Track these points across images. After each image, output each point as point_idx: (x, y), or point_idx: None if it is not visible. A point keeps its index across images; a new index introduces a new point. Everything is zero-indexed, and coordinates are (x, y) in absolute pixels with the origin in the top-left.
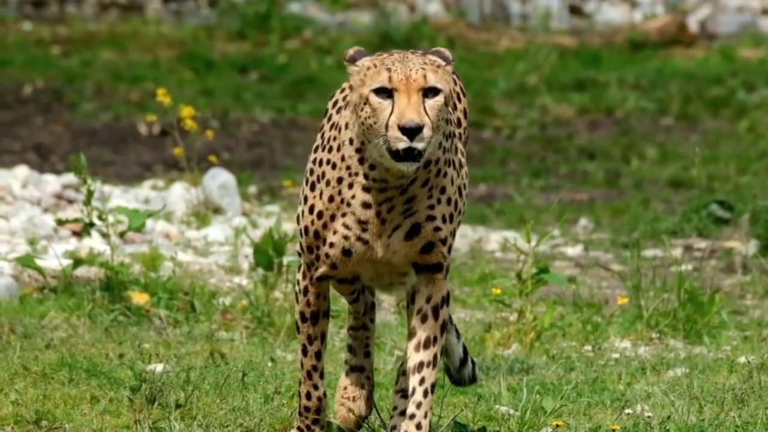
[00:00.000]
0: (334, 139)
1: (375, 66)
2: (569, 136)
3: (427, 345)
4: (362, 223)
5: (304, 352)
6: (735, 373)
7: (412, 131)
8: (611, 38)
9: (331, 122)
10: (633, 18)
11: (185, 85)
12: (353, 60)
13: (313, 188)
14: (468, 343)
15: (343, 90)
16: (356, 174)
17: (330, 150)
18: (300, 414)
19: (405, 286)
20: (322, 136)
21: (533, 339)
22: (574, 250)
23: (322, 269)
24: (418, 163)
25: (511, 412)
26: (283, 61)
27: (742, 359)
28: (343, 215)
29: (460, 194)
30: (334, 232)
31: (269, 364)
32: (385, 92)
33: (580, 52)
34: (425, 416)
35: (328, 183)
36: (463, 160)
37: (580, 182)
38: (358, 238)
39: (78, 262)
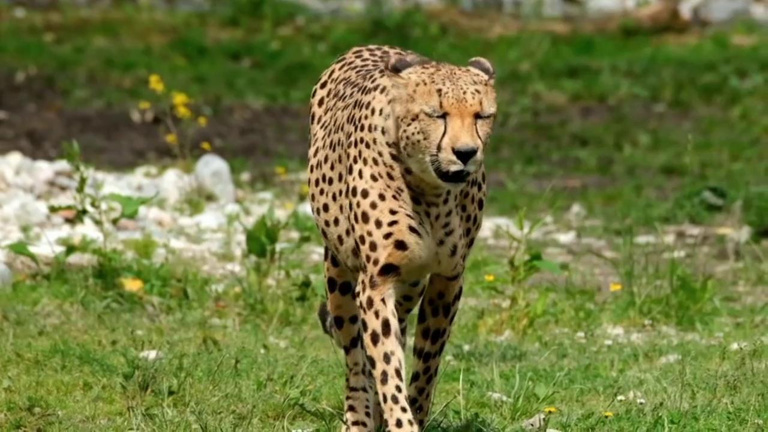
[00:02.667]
0: (366, 117)
1: (425, 83)
2: (562, 123)
3: (435, 337)
4: (416, 214)
5: (384, 379)
6: (727, 359)
7: (466, 155)
8: (604, 25)
9: (361, 104)
10: (626, 5)
11: (178, 72)
12: (397, 70)
13: (351, 171)
14: (461, 330)
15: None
16: (391, 167)
17: (362, 128)
18: None
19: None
20: (353, 121)
21: (526, 326)
22: (566, 237)
23: (384, 254)
24: (464, 183)
25: (504, 398)
26: (276, 48)
27: (735, 346)
28: (395, 198)
29: (480, 207)
30: (392, 212)
31: (262, 350)
32: (436, 112)
33: (573, 39)
34: (426, 398)
35: (365, 162)
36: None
37: (573, 169)
38: (420, 225)
39: (71, 249)
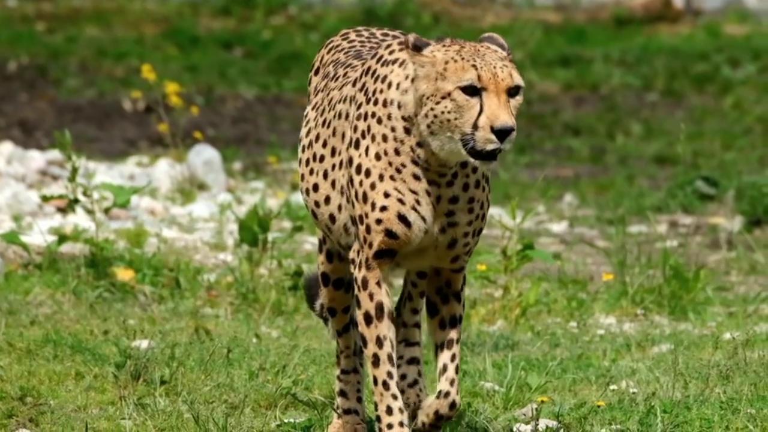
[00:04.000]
0: (381, 91)
1: (455, 60)
2: (554, 112)
3: (453, 323)
4: (414, 193)
5: (375, 361)
6: (720, 349)
7: (505, 133)
8: (596, 14)
9: (375, 75)
10: None
11: (170, 62)
12: (418, 48)
13: (357, 146)
14: None
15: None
16: (402, 142)
17: (376, 102)
18: None
19: None
20: (365, 91)
21: (518, 315)
22: (559, 227)
23: (377, 240)
24: (496, 161)
25: (497, 388)
26: (268, 38)
27: (727, 335)
28: (392, 179)
29: (488, 204)
30: (386, 195)
31: (254, 340)
32: (473, 90)
33: (566, 28)
34: (457, 393)
35: (373, 138)
36: None
37: (565, 158)
38: (414, 209)
39: (63, 238)
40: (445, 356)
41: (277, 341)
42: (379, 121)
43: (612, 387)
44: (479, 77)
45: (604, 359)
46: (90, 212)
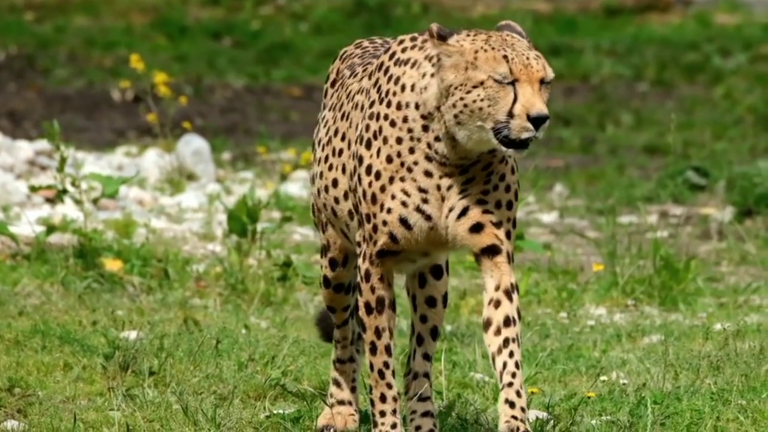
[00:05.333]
0: (394, 94)
1: (485, 50)
2: None
3: (507, 323)
4: (422, 192)
5: (373, 349)
6: (710, 340)
7: (541, 121)
8: (586, 4)
9: (388, 74)
10: None
11: (158, 51)
12: (443, 38)
13: (369, 146)
14: None
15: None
16: (418, 140)
17: (389, 105)
18: (375, 425)
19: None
20: (378, 88)
21: None
22: (549, 217)
23: (382, 240)
24: (526, 150)
25: (486, 379)
26: (257, 27)
27: (718, 326)
28: (402, 179)
29: (516, 179)
30: (392, 197)
31: (243, 331)
32: (506, 79)
33: (556, 18)
34: (521, 386)
35: (385, 141)
36: None
37: (556, 149)
38: (417, 209)
39: (51, 228)
40: (503, 356)
41: (266, 332)
42: (393, 124)
43: (602, 378)
44: (511, 70)
45: (595, 350)
46: (78, 202)
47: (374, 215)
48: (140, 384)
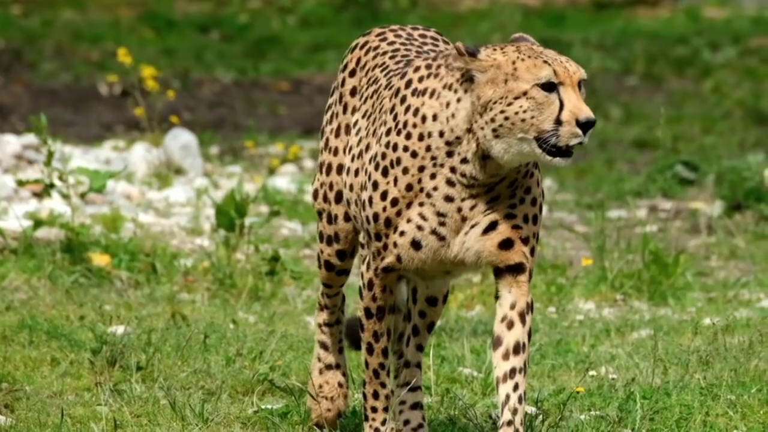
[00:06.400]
0: (414, 126)
1: (521, 59)
2: None
3: (516, 351)
4: (440, 216)
5: (370, 350)
6: (700, 334)
7: (589, 126)
8: None
9: (405, 104)
10: None
11: (146, 45)
12: (474, 54)
13: (385, 174)
14: None
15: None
16: (441, 165)
17: (409, 137)
18: (366, 418)
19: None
20: (395, 117)
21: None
22: None
23: (389, 259)
24: (571, 158)
25: (475, 374)
26: (245, 21)
27: (707, 321)
28: (421, 204)
29: (543, 195)
30: (408, 221)
31: (231, 326)
32: (551, 86)
33: (545, 12)
34: (521, 423)
35: (405, 171)
36: None
37: None
38: (433, 232)
39: (38, 223)
40: (506, 387)
41: (254, 327)
42: (414, 155)
43: (591, 373)
44: (555, 72)
45: (583, 345)
46: (66, 197)
47: (386, 236)
48: (128, 379)
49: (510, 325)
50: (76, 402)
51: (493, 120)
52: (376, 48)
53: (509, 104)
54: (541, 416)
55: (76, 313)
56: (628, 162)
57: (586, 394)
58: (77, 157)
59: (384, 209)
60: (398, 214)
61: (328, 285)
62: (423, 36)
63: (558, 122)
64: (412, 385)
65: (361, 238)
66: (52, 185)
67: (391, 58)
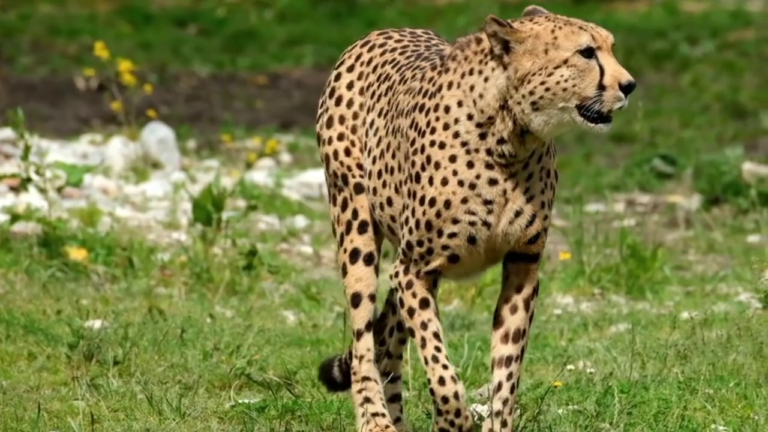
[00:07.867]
0: (437, 119)
1: (559, 27)
2: None
3: (516, 338)
4: (488, 204)
5: (423, 343)
6: (677, 329)
7: (631, 88)
8: None
9: (424, 110)
10: None
11: (123, 39)
12: (509, 24)
13: (418, 179)
14: None
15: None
16: (477, 150)
17: (433, 131)
18: (440, 413)
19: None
20: (416, 127)
21: (474, 295)
22: None
23: (438, 262)
24: (611, 124)
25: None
26: (222, 15)
27: (685, 315)
28: (464, 201)
29: (555, 176)
30: (454, 222)
31: (208, 320)
32: (590, 52)
33: (522, 6)
34: (510, 413)
35: (437, 166)
36: None
37: None
38: (484, 223)
39: (15, 217)
40: (500, 373)
41: (231, 321)
42: (442, 146)
43: (569, 367)
44: (593, 37)
45: (561, 339)
46: (43, 191)
47: (429, 240)
48: (105, 373)
49: (513, 310)
50: (53, 396)
51: (532, 93)
52: (382, 45)
53: (550, 74)
54: (519, 410)
55: (53, 308)
56: (606, 156)
57: (564, 389)
58: (54, 151)
59: (423, 213)
60: (438, 215)
61: (356, 296)
62: (427, 33)
63: (601, 87)
64: (393, 376)
65: (398, 242)
66: (29, 179)
67: (401, 53)
